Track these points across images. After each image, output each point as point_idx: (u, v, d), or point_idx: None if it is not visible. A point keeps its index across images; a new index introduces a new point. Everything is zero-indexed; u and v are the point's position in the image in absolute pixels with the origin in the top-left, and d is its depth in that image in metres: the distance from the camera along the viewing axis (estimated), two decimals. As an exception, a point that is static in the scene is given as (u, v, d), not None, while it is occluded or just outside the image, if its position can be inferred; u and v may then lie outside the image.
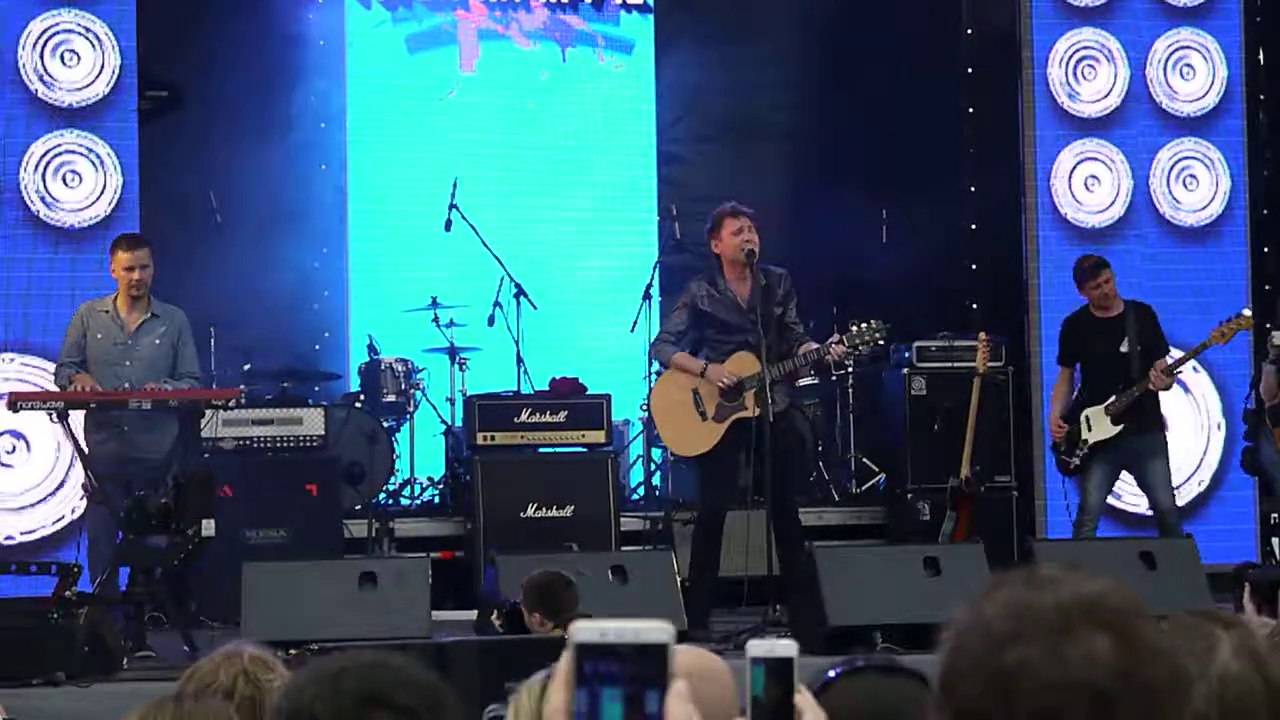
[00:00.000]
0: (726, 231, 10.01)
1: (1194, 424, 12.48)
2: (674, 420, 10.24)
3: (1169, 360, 10.84)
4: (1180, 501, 12.15)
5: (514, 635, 7.89)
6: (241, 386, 10.21)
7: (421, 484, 12.58)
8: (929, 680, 2.70)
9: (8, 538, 11.01)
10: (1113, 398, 10.76)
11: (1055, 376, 11.28)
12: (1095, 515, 10.86)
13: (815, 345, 9.97)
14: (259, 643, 3.85)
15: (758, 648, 1.95)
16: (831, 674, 2.79)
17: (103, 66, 11.30)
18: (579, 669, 1.80)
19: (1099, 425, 10.80)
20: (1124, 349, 10.85)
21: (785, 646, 1.96)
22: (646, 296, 12.41)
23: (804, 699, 1.95)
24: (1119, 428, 10.76)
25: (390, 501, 12.33)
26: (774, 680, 1.95)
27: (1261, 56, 12.96)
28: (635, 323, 12.31)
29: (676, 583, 9.43)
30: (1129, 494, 11.54)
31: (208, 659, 3.71)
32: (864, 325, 9.98)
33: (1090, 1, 12.60)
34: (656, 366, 12.01)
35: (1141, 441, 10.83)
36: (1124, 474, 11.02)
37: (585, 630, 1.81)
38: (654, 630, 1.81)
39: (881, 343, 10.36)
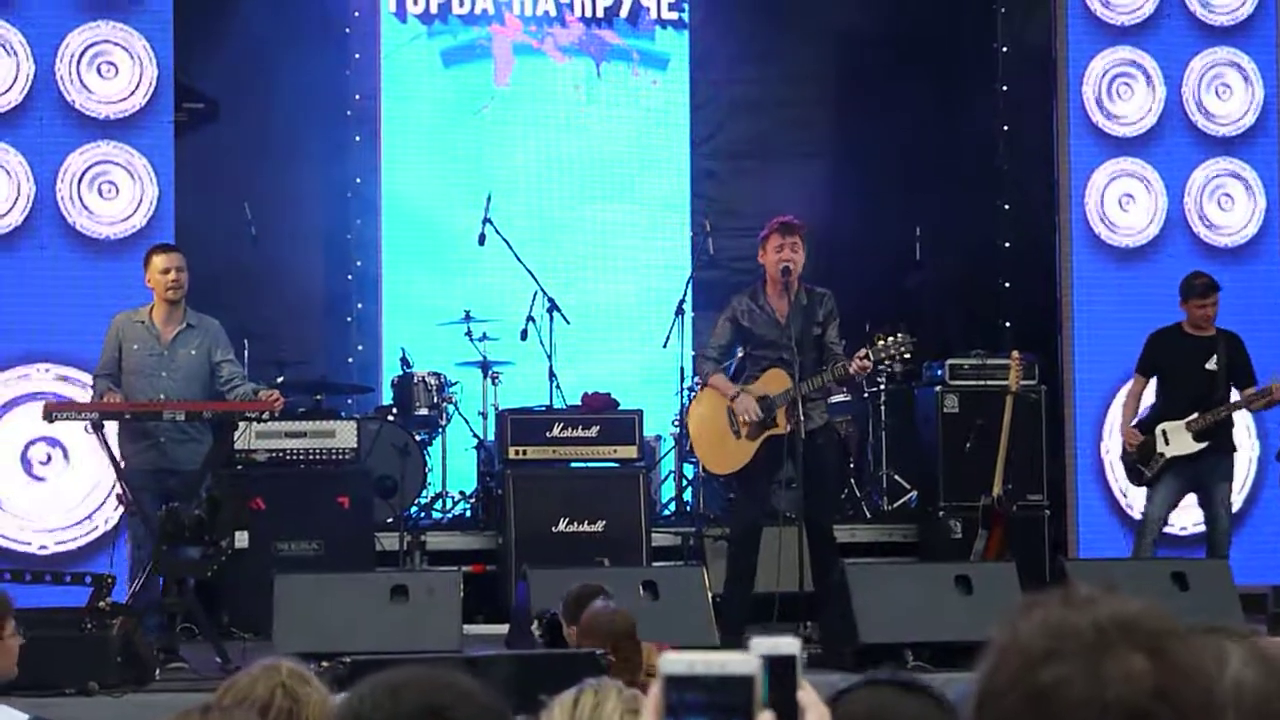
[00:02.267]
0: (771, 246, 10.06)
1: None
2: (709, 438, 10.28)
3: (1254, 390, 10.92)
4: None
5: (546, 650, 7.88)
6: (279, 391, 10.19)
7: (453, 497, 12.59)
8: (945, 702, 2.71)
9: (41, 548, 11.05)
10: (1195, 414, 10.75)
11: (1129, 384, 11.20)
12: (1158, 528, 10.86)
13: (843, 360, 9.98)
14: (296, 656, 3.87)
15: (761, 645, 1.97)
16: (848, 684, 2.79)
17: (140, 78, 11.35)
18: (666, 700, 1.86)
19: (1178, 440, 10.78)
20: (1210, 366, 10.84)
21: (788, 644, 1.98)
22: (679, 312, 12.41)
23: (807, 695, 1.96)
24: (1202, 445, 10.76)
25: (422, 515, 12.35)
26: (777, 677, 1.97)
27: (1298, 76, 12.93)
28: (668, 338, 12.32)
29: (708, 598, 9.43)
30: (1175, 518, 11.47)
31: (245, 672, 3.73)
32: (890, 339, 9.98)
33: (1126, 20, 12.59)
34: (689, 382, 12.05)
35: (1216, 462, 10.84)
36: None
37: (673, 662, 1.87)
38: (740, 662, 1.87)
39: (908, 356, 10.36)
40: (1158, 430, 10.84)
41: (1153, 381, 11.09)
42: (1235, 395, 10.91)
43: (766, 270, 10.11)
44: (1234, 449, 11.05)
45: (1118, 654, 1.82)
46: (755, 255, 10.26)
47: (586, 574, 9.13)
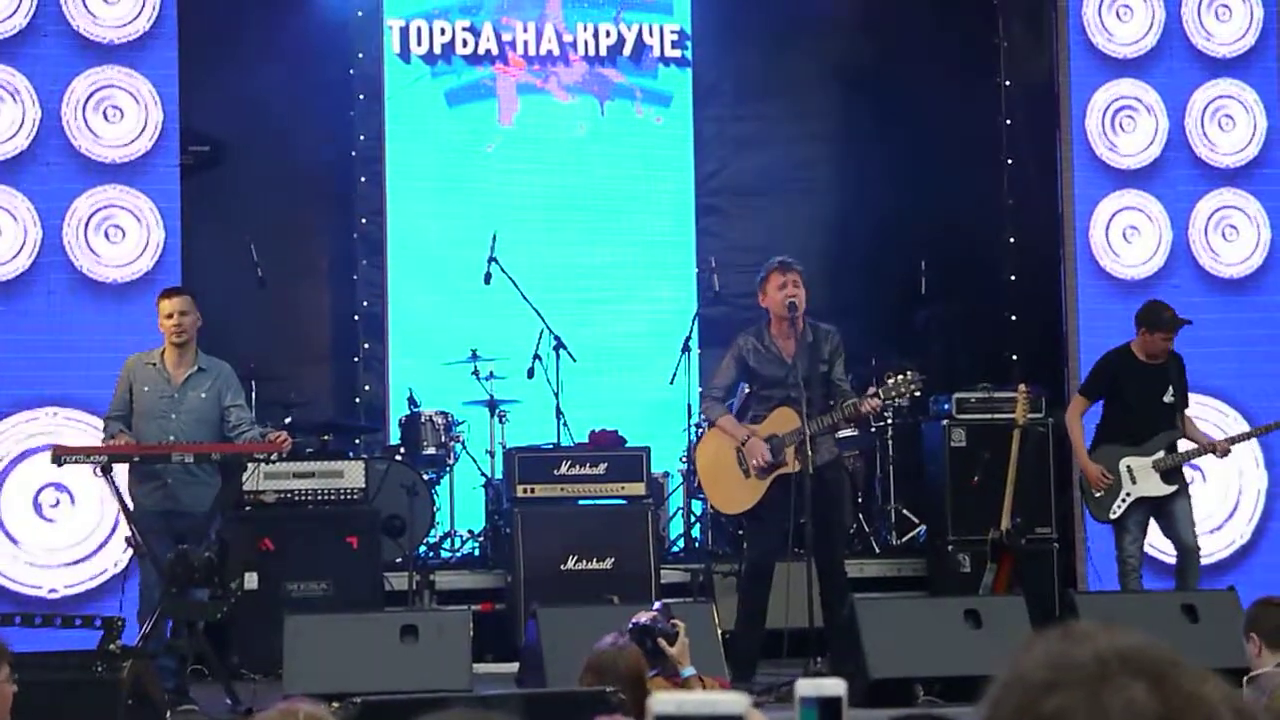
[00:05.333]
0: (772, 286, 10.07)
1: (1235, 474, 12.42)
2: (718, 479, 10.28)
3: (1234, 434, 10.97)
4: (1223, 553, 12.15)
5: (555, 689, 7.88)
6: (286, 435, 10.19)
7: (462, 536, 12.59)
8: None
9: (51, 591, 11.06)
10: (1161, 453, 10.76)
11: (1073, 406, 11.12)
12: (1139, 565, 10.83)
13: (853, 398, 9.99)
14: (313, 698, 3.88)
15: (806, 687, 1.99)
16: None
17: (146, 122, 11.39)
18: None
19: (1146, 480, 10.76)
20: (1168, 399, 10.84)
21: (833, 685, 1.99)
22: (685, 349, 12.43)
23: None
24: (1173, 487, 10.76)
25: (430, 554, 12.35)
26: (822, 719, 1.98)
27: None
28: (674, 375, 12.33)
29: (718, 634, 9.43)
30: (1170, 546, 11.46)
31: (263, 715, 3.73)
32: (900, 377, 9.99)
33: (1129, 53, 12.62)
34: (696, 418, 12.07)
35: (1176, 490, 10.86)
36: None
37: (663, 702, 1.89)
38: (729, 702, 1.89)
39: (917, 394, 10.35)
40: (1121, 466, 10.80)
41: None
42: (1190, 430, 10.96)
43: (770, 310, 10.12)
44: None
45: (1119, 683, 1.83)
46: (759, 296, 10.26)
47: (596, 612, 9.14)
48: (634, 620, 6.38)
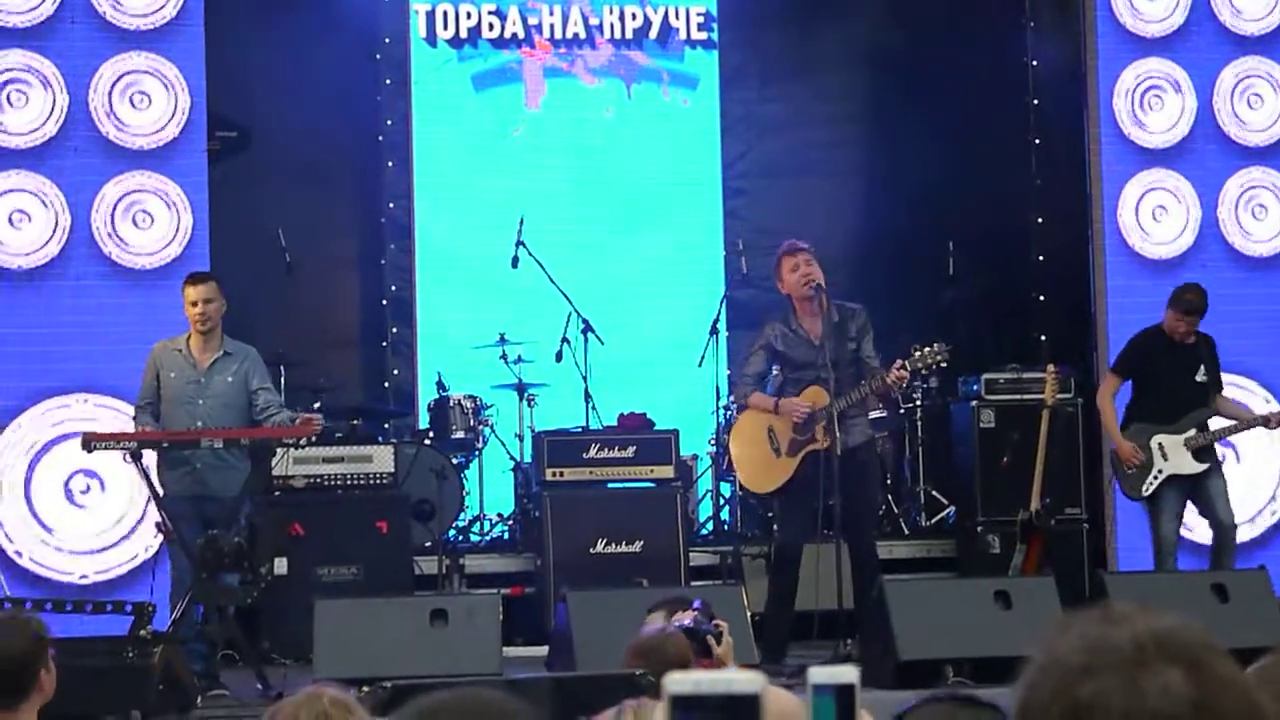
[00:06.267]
0: (786, 270, 10.06)
1: (1267, 452, 12.38)
2: (750, 460, 10.28)
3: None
4: (1255, 531, 12.11)
5: (585, 672, 7.88)
6: (320, 416, 10.20)
7: (491, 520, 12.61)
8: (1005, 713, 2.71)
9: (82, 576, 11.10)
10: (1193, 431, 10.74)
11: (1106, 385, 11.11)
12: (1174, 546, 10.80)
13: (881, 372, 9.96)
14: (340, 684, 3.88)
15: (819, 675, 1.98)
16: (911, 702, 2.80)
17: (173, 108, 11.41)
18: (674, 719, 1.88)
19: (1178, 457, 10.75)
20: (1200, 379, 10.82)
21: (847, 673, 1.99)
22: (714, 331, 12.42)
23: None
24: (1205, 465, 10.75)
25: (460, 538, 12.37)
26: (837, 707, 1.98)
27: (1330, 84, 12.90)
28: (703, 357, 12.33)
29: (747, 617, 9.42)
30: (1201, 526, 11.44)
31: (289, 700, 3.74)
32: (927, 349, 9.96)
33: (1156, 31, 12.58)
34: (725, 400, 12.06)
35: (1209, 468, 10.83)
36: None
37: (679, 682, 1.89)
38: (744, 681, 1.89)
39: (944, 365, 10.27)
40: (1153, 443, 10.79)
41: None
42: (1227, 408, 10.93)
43: (791, 294, 10.10)
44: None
45: (1155, 668, 1.83)
46: (776, 284, 10.24)
47: (625, 595, 9.15)
48: (678, 622, 6.37)
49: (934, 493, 12.79)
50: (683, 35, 14.14)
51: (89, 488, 11.18)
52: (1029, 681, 1.89)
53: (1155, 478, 10.77)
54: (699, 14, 14.15)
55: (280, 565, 9.77)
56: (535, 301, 12.83)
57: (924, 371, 10.30)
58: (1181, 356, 10.83)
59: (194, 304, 9.97)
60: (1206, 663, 1.84)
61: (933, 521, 12.72)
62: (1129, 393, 11.04)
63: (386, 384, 13.62)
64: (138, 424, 9.99)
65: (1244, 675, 1.87)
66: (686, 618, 6.36)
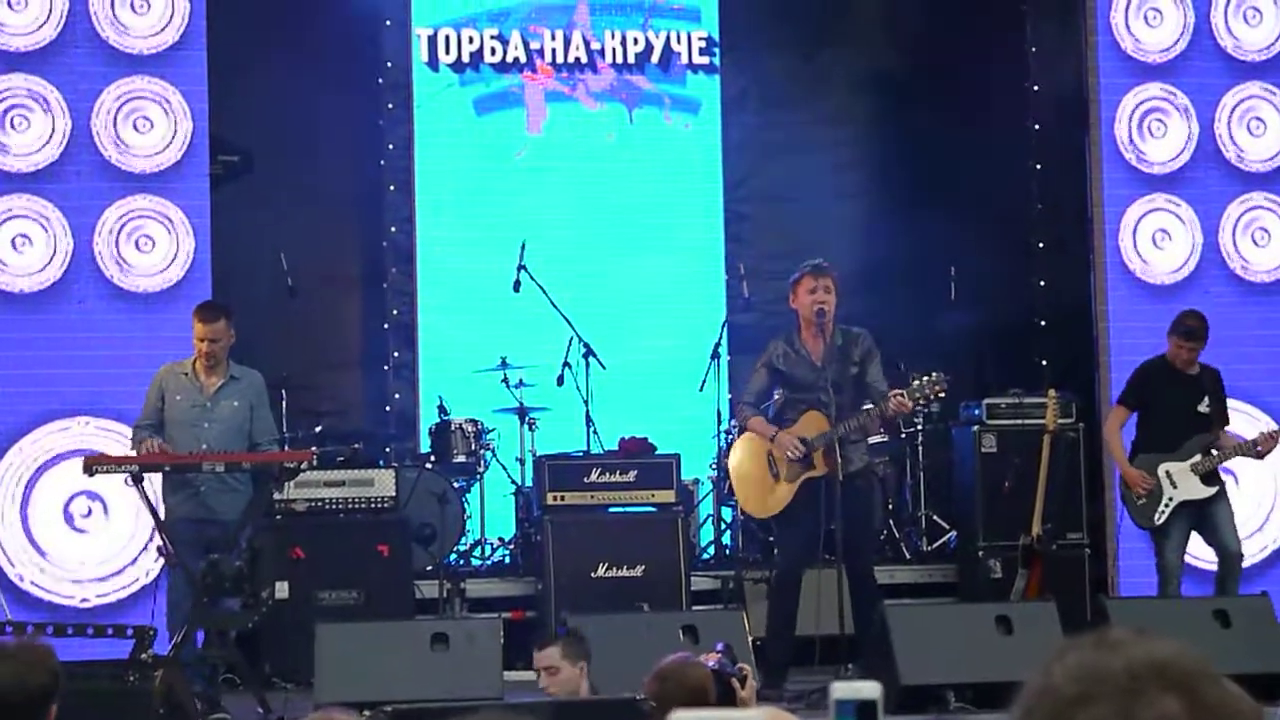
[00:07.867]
0: (803, 289, 10.08)
1: (1267, 475, 12.37)
2: (749, 484, 10.29)
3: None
4: (1255, 557, 12.09)
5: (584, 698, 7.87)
6: (314, 449, 10.24)
7: (492, 544, 12.60)
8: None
9: (83, 600, 11.10)
10: (1198, 457, 10.72)
11: (1114, 417, 11.09)
12: (1179, 574, 10.79)
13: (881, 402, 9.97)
14: (346, 706, 3.88)
15: (842, 690, 1.98)
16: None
17: (175, 132, 11.43)
18: None
19: (1186, 484, 10.73)
20: (1202, 409, 10.81)
21: (869, 689, 1.99)
22: (715, 355, 12.41)
23: None
24: (1214, 489, 10.73)
25: (461, 562, 12.36)
26: None
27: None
28: (704, 382, 12.32)
29: (749, 642, 9.42)
30: (1205, 551, 11.42)
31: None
32: (925, 379, 9.97)
33: (1158, 58, 12.60)
34: (726, 425, 12.06)
35: (1215, 494, 10.81)
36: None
37: (685, 718, 1.86)
38: (749, 718, 1.90)
39: (943, 395, 10.30)
40: (1160, 472, 10.77)
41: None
42: (1225, 433, 10.93)
43: (800, 314, 10.12)
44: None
45: (1150, 696, 1.82)
46: (789, 299, 10.27)
47: (626, 619, 9.14)
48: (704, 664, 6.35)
49: (935, 517, 12.78)
50: (684, 60, 14.15)
51: (90, 511, 11.17)
52: (1024, 708, 1.88)
53: (1167, 505, 10.74)
54: (700, 39, 14.17)
55: (281, 589, 9.78)
56: (537, 325, 12.83)
57: (922, 402, 10.30)
58: (1185, 387, 10.83)
59: (200, 340, 10.00)
60: (1202, 690, 1.84)
61: (934, 546, 12.70)
62: (1133, 424, 11.03)
63: (388, 407, 13.61)
64: (134, 440, 10.00)
65: (1240, 702, 1.86)
66: (711, 660, 6.35)
